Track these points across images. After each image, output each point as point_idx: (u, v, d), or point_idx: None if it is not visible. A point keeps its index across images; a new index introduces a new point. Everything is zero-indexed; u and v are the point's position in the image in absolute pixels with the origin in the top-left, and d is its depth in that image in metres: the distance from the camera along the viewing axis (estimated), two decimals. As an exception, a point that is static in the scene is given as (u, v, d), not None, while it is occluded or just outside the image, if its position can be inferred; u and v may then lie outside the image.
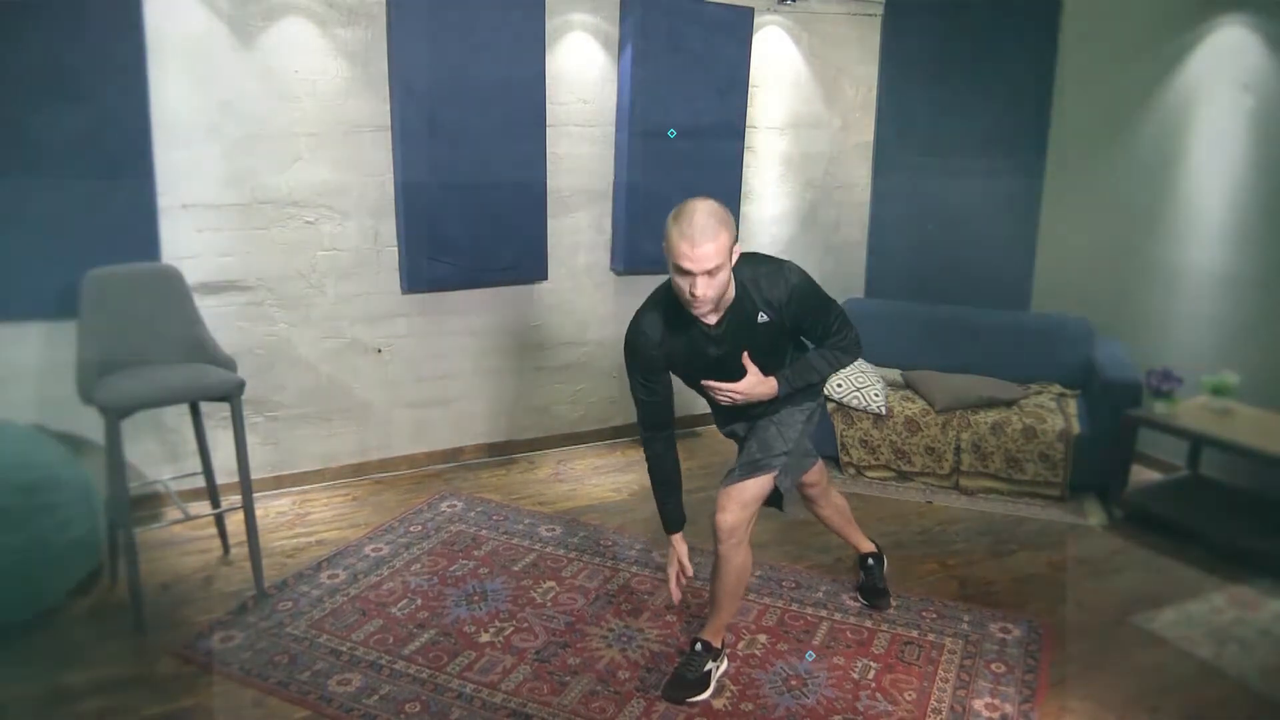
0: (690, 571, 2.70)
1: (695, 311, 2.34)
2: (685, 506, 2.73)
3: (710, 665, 2.68)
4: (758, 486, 2.58)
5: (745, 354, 2.45)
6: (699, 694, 2.63)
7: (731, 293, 2.39)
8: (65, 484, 2.91)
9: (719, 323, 2.43)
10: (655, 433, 2.61)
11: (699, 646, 2.70)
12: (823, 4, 4.87)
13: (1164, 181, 4.40)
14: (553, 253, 4.41)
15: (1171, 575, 3.45)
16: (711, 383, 2.48)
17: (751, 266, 2.44)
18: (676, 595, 2.70)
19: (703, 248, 2.20)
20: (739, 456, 2.68)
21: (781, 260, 2.50)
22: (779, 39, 4.81)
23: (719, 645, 2.72)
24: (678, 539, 2.70)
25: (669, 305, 2.45)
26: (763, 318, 2.43)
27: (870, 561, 3.20)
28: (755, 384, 2.48)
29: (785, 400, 2.62)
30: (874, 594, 3.15)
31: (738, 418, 2.76)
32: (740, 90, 4.62)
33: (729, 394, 2.47)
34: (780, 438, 2.62)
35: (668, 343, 2.48)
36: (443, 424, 4.37)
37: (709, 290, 2.25)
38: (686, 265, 2.22)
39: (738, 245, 2.33)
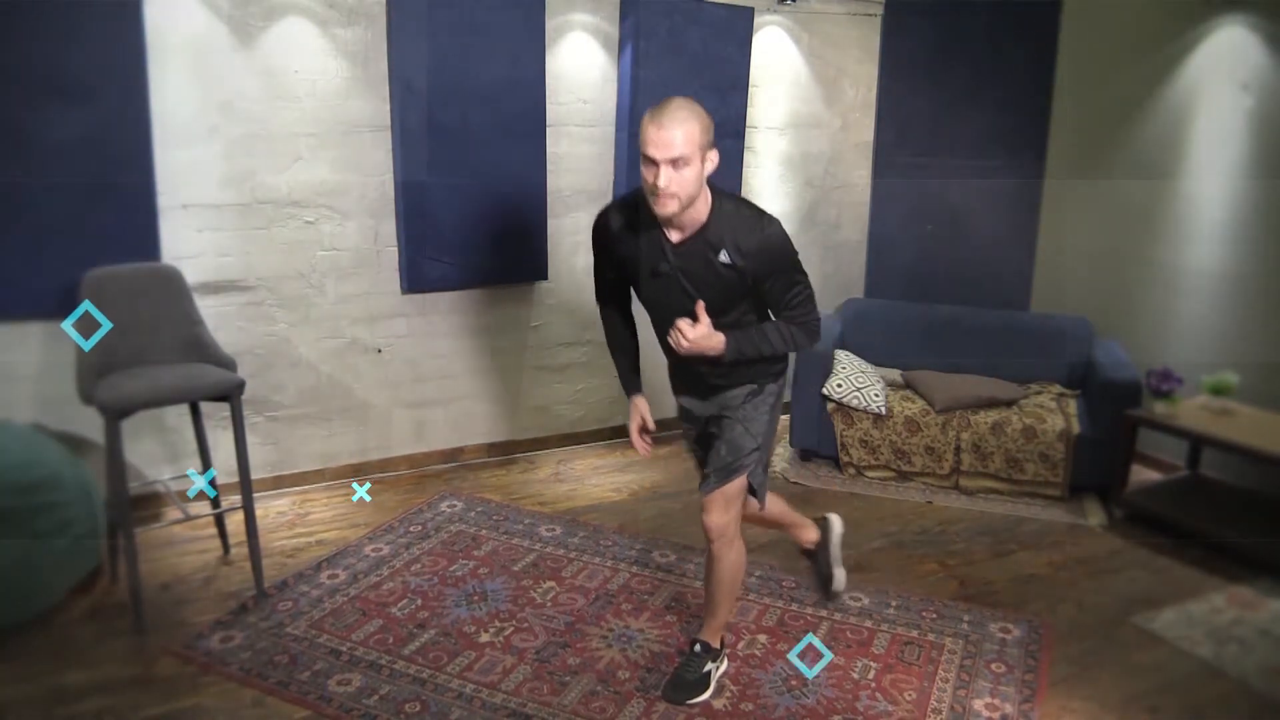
0: (651, 425, 2.64)
1: (658, 209, 2.20)
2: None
3: (710, 666, 2.68)
4: (736, 487, 2.55)
5: (700, 304, 2.31)
6: (699, 695, 2.63)
7: (703, 212, 2.28)
8: (65, 484, 2.90)
9: (681, 241, 2.31)
10: (607, 306, 2.65)
11: (698, 647, 2.71)
12: (823, 4, 4.87)
13: (1164, 181, 4.40)
14: (553, 253, 4.41)
15: (1171, 575, 3.45)
16: (681, 322, 2.31)
17: (734, 204, 2.34)
18: (641, 448, 2.63)
19: (669, 131, 2.11)
20: (710, 460, 2.58)
21: (767, 212, 2.35)
22: (779, 39, 4.81)
23: (718, 645, 2.71)
24: (638, 399, 2.65)
25: (639, 205, 2.35)
26: (724, 258, 2.28)
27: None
28: (706, 335, 2.31)
29: (749, 396, 2.54)
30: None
31: (688, 380, 2.61)
32: (740, 90, 4.62)
33: (680, 337, 2.30)
34: (748, 435, 2.54)
35: (626, 240, 2.41)
36: (443, 424, 4.37)
37: (672, 183, 2.13)
38: (651, 151, 2.13)
39: (714, 153, 2.22)
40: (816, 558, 3.03)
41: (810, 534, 3.01)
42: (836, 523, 3.04)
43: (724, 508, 2.54)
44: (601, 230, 2.47)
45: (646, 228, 2.36)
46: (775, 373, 2.60)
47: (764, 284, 2.37)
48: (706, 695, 2.64)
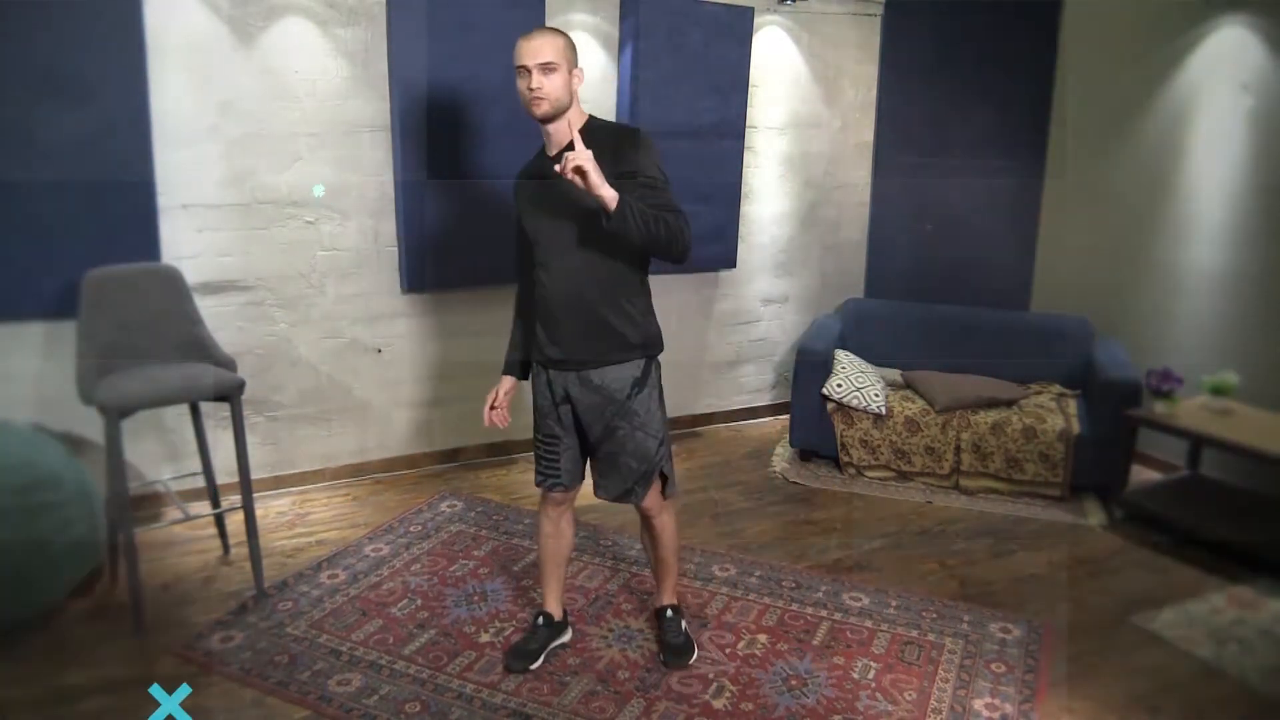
0: (502, 408, 2.77)
1: (533, 110, 2.42)
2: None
3: (685, 624, 2.87)
4: (655, 487, 2.67)
5: (569, 125, 2.40)
6: (694, 655, 2.81)
7: (576, 125, 2.43)
8: (65, 484, 2.90)
9: (557, 155, 2.42)
10: (521, 276, 2.72)
11: (670, 612, 2.85)
12: (823, 4, 4.87)
13: (1164, 181, 4.40)
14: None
15: (1171, 575, 3.45)
16: (561, 165, 2.25)
17: (608, 122, 2.57)
18: (498, 420, 2.77)
19: (536, 40, 2.40)
20: (620, 475, 2.60)
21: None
22: (779, 39, 4.81)
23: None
24: (508, 380, 2.79)
25: (539, 151, 2.59)
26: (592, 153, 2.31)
27: (669, 614, 2.86)
28: (588, 154, 2.24)
29: (633, 391, 2.54)
30: (673, 650, 2.80)
31: (569, 333, 2.52)
32: (740, 90, 4.62)
33: (567, 159, 2.23)
34: (649, 437, 2.58)
35: (523, 177, 2.61)
36: (443, 424, 4.37)
37: (543, 83, 2.37)
38: (523, 59, 2.39)
39: (581, 72, 2.48)
40: (671, 623, 2.88)
41: (664, 595, 2.89)
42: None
43: (653, 496, 2.68)
44: (515, 188, 2.64)
45: (537, 161, 2.58)
46: (655, 347, 2.61)
47: (626, 185, 2.34)
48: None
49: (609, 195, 2.26)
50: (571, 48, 2.46)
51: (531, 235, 2.57)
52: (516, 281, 2.78)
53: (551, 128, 2.47)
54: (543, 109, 2.42)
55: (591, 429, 2.61)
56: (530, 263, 2.63)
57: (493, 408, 2.77)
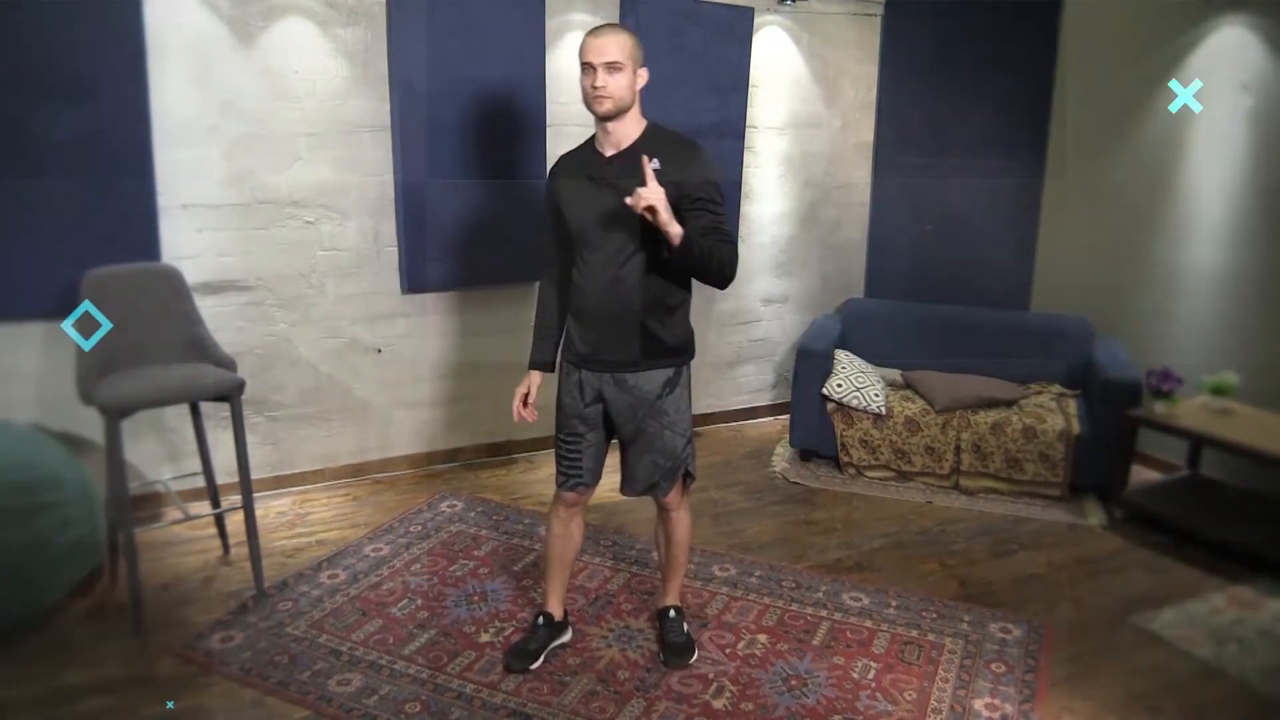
0: (533, 401, 2.71)
1: (596, 108, 2.42)
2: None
3: (686, 624, 2.88)
4: (677, 483, 2.71)
5: (645, 159, 2.32)
6: (694, 655, 2.81)
7: (636, 130, 2.48)
8: (65, 484, 2.90)
9: (616, 155, 2.47)
10: (546, 278, 2.73)
11: (673, 612, 2.86)
12: (823, 4, 4.87)
13: (1164, 181, 4.40)
14: (553, 252, 4.41)
15: (1171, 575, 3.45)
16: (629, 199, 2.25)
17: (667, 130, 2.55)
18: (529, 416, 2.71)
19: (605, 38, 2.39)
20: (646, 471, 2.63)
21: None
22: (779, 39, 4.81)
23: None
24: (534, 374, 2.74)
25: (586, 143, 2.59)
26: (655, 165, 2.35)
27: (671, 614, 2.89)
28: (660, 192, 2.25)
29: (664, 391, 2.56)
30: (674, 650, 2.81)
31: (609, 335, 2.53)
32: (740, 90, 4.62)
33: (639, 195, 2.23)
34: (676, 435, 2.62)
35: (567, 169, 2.58)
36: (443, 424, 4.37)
37: (608, 82, 2.38)
38: (589, 57, 2.39)
39: (645, 72, 2.47)
40: (673, 623, 2.89)
41: (669, 596, 2.92)
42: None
43: (674, 491, 2.72)
44: (550, 180, 2.63)
45: (586, 157, 2.55)
46: (689, 352, 2.65)
47: (689, 198, 2.40)
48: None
49: (676, 232, 2.29)
50: (638, 47, 2.46)
51: (576, 233, 2.53)
52: (543, 273, 2.74)
53: (611, 126, 2.46)
54: (605, 108, 2.42)
55: (623, 428, 2.63)
56: (563, 257, 2.64)
57: (524, 404, 2.72)
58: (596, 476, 2.73)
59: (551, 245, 2.68)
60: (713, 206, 2.44)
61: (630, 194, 2.28)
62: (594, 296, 2.52)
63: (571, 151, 2.63)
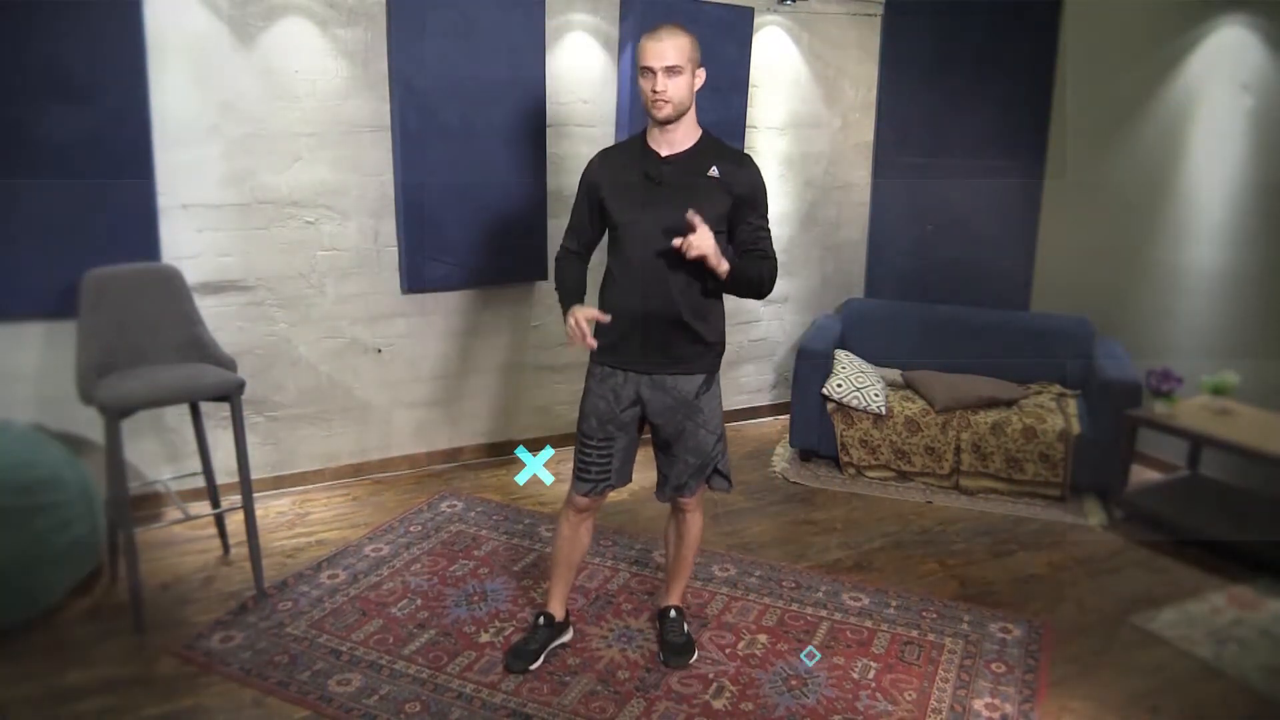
0: (602, 317, 2.48)
1: (655, 112, 2.42)
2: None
3: (687, 625, 2.88)
4: (702, 485, 2.72)
5: (695, 216, 2.32)
6: (694, 655, 2.81)
7: (692, 136, 2.50)
8: (65, 484, 2.91)
9: (672, 156, 2.48)
10: (569, 255, 2.67)
11: (674, 613, 2.86)
12: (823, 4, 4.87)
13: (1164, 181, 4.40)
14: (552, 253, 4.38)
15: (1171, 575, 3.45)
16: (678, 241, 2.28)
17: (720, 141, 2.56)
18: (581, 336, 2.45)
19: (665, 42, 2.38)
20: (678, 470, 2.63)
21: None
22: (779, 39, 4.81)
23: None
24: (578, 306, 2.54)
25: (634, 141, 2.59)
26: (713, 172, 2.45)
27: (672, 614, 2.89)
28: (710, 239, 2.30)
29: (700, 392, 2.56)
30: (674, 650, 2.81)
31: (648, 342, 2.50)
32: (740, 90, 4.62)
33: (689, 240, 2.27)
34: (709, 434, 2.62)
35: (617, 169, 2.55)
36: (443, 424, 4.38)
37: (668, 86, 2.38)
38: (649, 61, 2.38)
39: (703, 72, 2.48)
40: (674, 624, 2.89)
41: (672, 596, 2.92)
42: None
43: (696, 493, 2.73)
44: (594, 165, 2.61)
45: (638, 154, 2.54)
46: (723, 348, 2.66)
47: (742, 211, 2.47)
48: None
49: (724, 270, 2.36)
50: (696, 47, 2.46)
51: (623, 228, 2.51)
52: (563, 252, 2.67)
53: (670, 128, 2.47)
54: (665, 112, 2.43)
55: (662, 429, 2.62)
56: (587, 244, 2.64)
57: (584, 326, 2.47)
58: (625, 478, 2.71)
59: (579, 230, 2.64)
60: (762, 223, 2.51)
61: (685, 195, 2.38)
62: (638, 294, 2.48)
63: (619, 145, 2.65)
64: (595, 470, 2.64)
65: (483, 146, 4.05)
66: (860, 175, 5.23)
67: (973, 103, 4.94)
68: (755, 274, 2.45)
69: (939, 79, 4.98)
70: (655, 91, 2.39)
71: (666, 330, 2.50)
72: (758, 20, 4.65)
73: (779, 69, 4.85)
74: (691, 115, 2.49)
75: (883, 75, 5.10)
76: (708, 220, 2.36)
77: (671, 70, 2.38)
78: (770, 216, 2.51)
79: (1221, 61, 4.11)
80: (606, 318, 2.49)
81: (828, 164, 5.12)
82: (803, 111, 4.98)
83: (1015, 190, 5.02)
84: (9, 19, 3.12)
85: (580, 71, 4.31)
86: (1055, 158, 4.92)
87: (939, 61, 4.98)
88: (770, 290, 2.51)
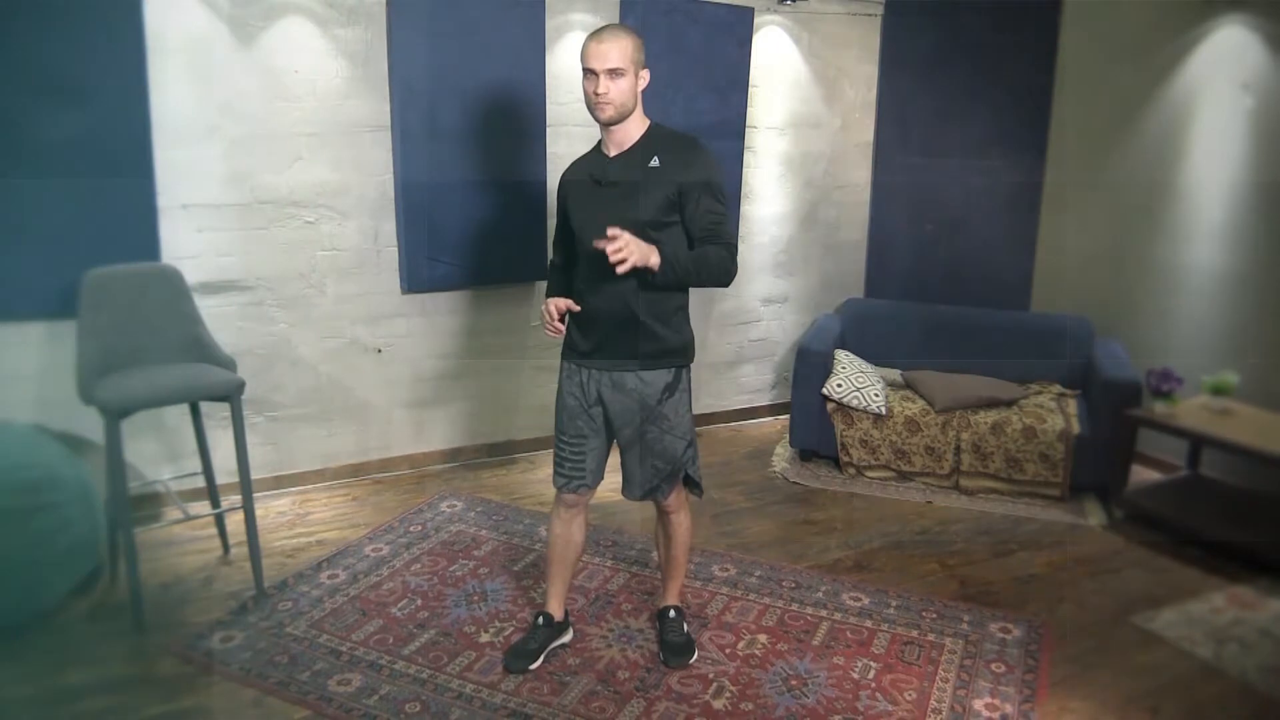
0: (564, 309, 2.53)
1: (598, 114, 2.45)
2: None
3: (687, 625, 2.88)
4: (678, 485, 2.73)
5: (611, 234, 2.28)
6: (694, 655, 2.81)
7: (639, 130, 2.51)
8: (65, 484, 2.90)
9: (618, 155, 2.51)
10: (555, 266, 2.78)
11: (673, 613, 2.86)
12: (823, 4, 4.87)
13: (1164, 181, 4.40)
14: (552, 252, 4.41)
15: (1171, 575, 3.45)
16: (611, 230, 2.26)
17: (670, 130, 2.58)
18: (559, 326, 2.56)
19: (607, 44, 2.40)
20: (644, 475, 2.64)
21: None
22: (779, 39, 4.81)
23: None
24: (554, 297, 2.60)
25: (596, 145, 2.62)
26: (654, 163, 2.46)
27: (671, 614, 2.88)
28: (632, 240, 2.26)
29: (664, 396, 2.56)
30: (674, 650, 2.81)
31: (605, 338, 2.53)
32: (740, 90, 4.63)
33: (612, 243, 2.23)
34: (676, 439, 2.62)
35: (577, 170, 2.62)
36: (443, 424, 4.38)
37: (610, 88, 2.40)
38: (591, 63, 2.41)
39: (646, 71, 2.48)
40: (673, 623, 2.89)
41: (670, 596, 2.91)
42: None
43: (674, 494, 2.74)
44: (564, 175, 2.66)
45: (593, 159, 2.59)
46: (689, 355, 2.64)
47: (690, 196, 2.45)
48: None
49: (655, 263, 2.33)
50: (639, 49, 2.47)
51: (579, 233, 2.55)
52: (551, 271, 2.82)
53: (615, 129, 2.49)
54: (608, 114, 2.45)
55: (622, 431, 2.63)
56: (571, 256, 2.67)
57: (556, 310, 2.54)
58: (598, 477, 2.73)
59: (560, 241, 2.75)
60: (713, 205, 2.47)
61: (630, 191, 2.37)
62: (595, 296, 2.53)
63: (583, 155, 2.68)
64: (569, 466, 2.67)
65: (483, 146, 4.05)
66: (860, 175, 5.23)
67: (973, 103, 4.94)
68: (705, 262, 2.41)
69: (939, 79, 4.98)
70: (597, 94, 2.42)
71: (624, 330, 2.52)
72: (758, 20, 4.65)
73: (779, 69, 4.85)
74: (638, 113, 2.50)
75: (883, 75, 5.10)
76: (651, 211, 2.41)
77: (614, 73, 2.40)
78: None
79: (1221, 61, 4.11)
80: (578, 307, 2.54)
81: (828, 164, 5.12)
82: (803, 111, 4.98)
83: (1015, 190, 5.02)
84: (9, 19, 3.12)
85: (580, 71, 4.29)
86: (1055, 158, 4.92)
87: (939, 61, 4.98)
88: (728, 276, 2.47)
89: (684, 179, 2.44)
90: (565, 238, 2.70)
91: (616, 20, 4.35)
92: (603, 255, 2.42)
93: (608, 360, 2.56)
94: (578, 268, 2.61)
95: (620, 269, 2.25)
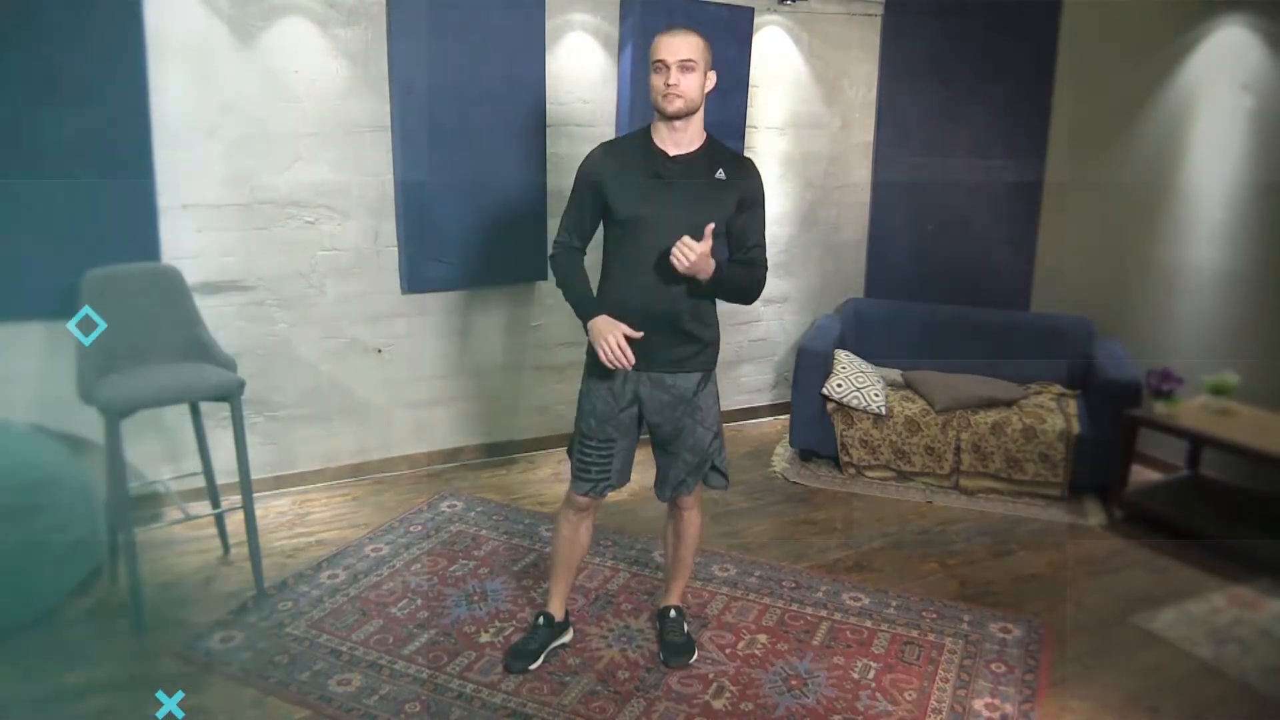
0: (634, 334, 2.42)
1: (666, 106, 2.41)
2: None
3: (687, 625, 2.88)
4: (699, 483, 2.73)
5: (710, 227, 2.36)
6: (694, 655, 2.81)
7: (699, 137, 2.50)
8: (65, 484, 2.91)
9: (679, 156, 2.48)
10: (566, 249, 2.59)
11: (674, 613, 2.87)
12: (823, 4, 4.87)
13: (1164, 181, 4.40)
14: (553, 253, 4.41)
15: (1171, 575, 3.45)
16: (685, 239, 2.29)
17: (723, 143, 2.58)
18: (624, 359, 2.41)
19: (679, 38, 2.40)
20: (675, 468, 2.63)
21: None
22: (779, 39, 4.81)
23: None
24: (605, 317, 2.47)
25: (637, 137, 2.56)
26: (720, 174, 2.48)
27: (672, 614, 2.89)
28: (706, 255, 2.33)
29: (698, 389, 2.58)
30: (674, 650, 2.81)
31: (646, 341, 2.46)
32: (740, 90, 4.62)
33: (682, 254, 2.28)
34: (706, 431, 2.63)
35: (620, 165, 2.50)
36: (443, 424, 4.37)
37: (681, 81, 2.38)
38: (663, 55, 2.39)
39: (714, 75, 2.48)
40: (674, 624, 2.89)
41: (672, 596, 2.92)
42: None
43: (694, 491, 2.73)
44: (595, 158, 2.55)
45: (644, 151, 2.51)
46: (717, 352, 2.66)
47: (743, 216, 2.51)
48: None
49: (713, 278, 2.40)
50: (709, 51, 2.47)
51: (628, 225, 2.47)
52: (561, 249, 2.59)
53: (678, 124, 2.46)
54: (676, 106, 2.42)
55: (660, 428, 2.62)
56: (585, 239, 2.60)
57: (619, 343, 2.42)
58: (625, 478, 2.70)
59: (579, 224, 2.58)
60: (759, 228, 2.55)
61: (691, 194, 2.43)
62: (641, 292, 2.48)
63: (622, 140, 2.63)
64: (595, 470, 2.62)
65: (483, 146, 4.05)
66: (860, 175, 5.23)
67: (973, 103, 4.94)
68: (746, 282, 2.53)
69: (939, 79, 4.98)
70: (668, 85, 2.39)
71: (667, 330, 2.51)
72: (758, 20, 4.65)
73: (779, 69, 4.85)
74: (699, 117, 2.49)
75: (883, 75, 5.10)
76: (710, 219, 2.40)
77: (685, 65, 2.39)
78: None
79: (1221, 61, 4.11)
80: (638, 334, 2.43)
81: (828, 164, 5.12)
82: (803, 111, 4.98)
83: (1015, 190, 5.02)
84: (9, 19, 3.11)
85: (580, 71, 4.31)
86: (1055, 158, 4.92)
87: (939, 61, 4.98)
88: (756, 297, 2.59)
89: (743, 196, 2.49)
90: (588, 222, 2.58)
91: (616, 20, 4.36)
92: (655, 250, 2.44)
93: (650, 360, 2.51)
94: (617, 265, 2.52)
95: (685, 270, 2.32)
